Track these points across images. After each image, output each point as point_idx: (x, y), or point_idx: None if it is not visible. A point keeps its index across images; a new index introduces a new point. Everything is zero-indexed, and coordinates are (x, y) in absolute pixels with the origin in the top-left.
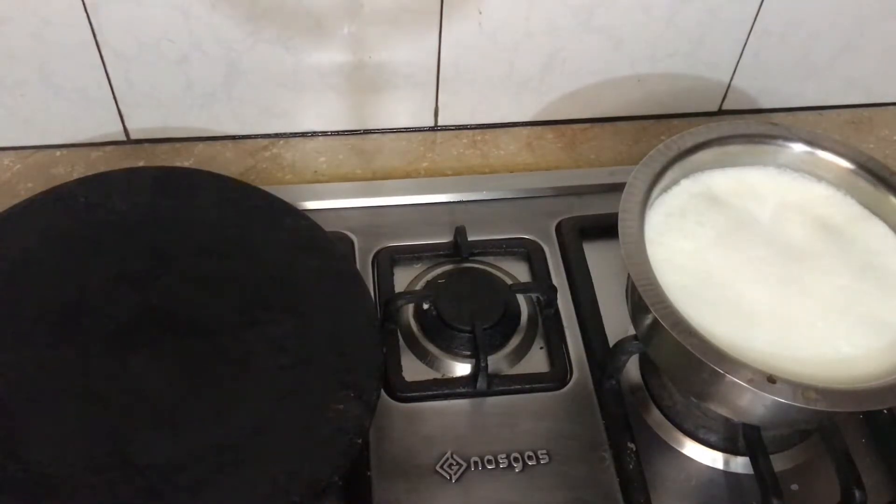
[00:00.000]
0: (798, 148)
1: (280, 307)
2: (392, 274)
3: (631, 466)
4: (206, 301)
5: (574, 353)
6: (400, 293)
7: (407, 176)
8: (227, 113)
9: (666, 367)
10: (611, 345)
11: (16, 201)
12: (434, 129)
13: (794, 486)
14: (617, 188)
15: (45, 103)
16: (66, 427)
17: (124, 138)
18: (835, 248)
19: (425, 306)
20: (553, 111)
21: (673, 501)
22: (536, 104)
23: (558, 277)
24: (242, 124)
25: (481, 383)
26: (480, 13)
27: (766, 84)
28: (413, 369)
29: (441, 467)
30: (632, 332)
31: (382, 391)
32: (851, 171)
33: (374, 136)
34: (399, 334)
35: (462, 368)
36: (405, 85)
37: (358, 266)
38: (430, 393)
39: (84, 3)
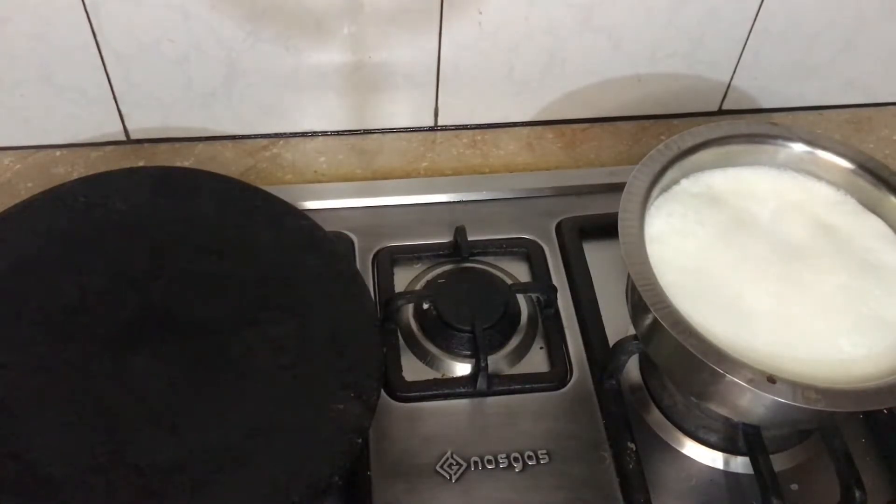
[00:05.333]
0: (798, 148)
1: (280, 307)
2: (392, 274)
3: (631, 466)
4: (206, 301)
5: (574, 353)
6: (400, 293)
7: (407, 176)
8: (227, 113)
9: (666, 367)
10: (611, 345)
11: (16, 201)
12: (434, 129)
13: (794, 486)
14: (617, 188)
15: (45, 103)
16: (66, 427)
17: (124, 138)
18: (835, 247)
19: (425, 306)
20: (553, 111)
21: (673, 501)
22: (536, 104)
23: (558, 277)
24: (242, 124)
25: (481, 383)
26: (480, 13)
27: (766, 84)
28: (413, 369)
29: (441, 467)
30: (632, 332)
31: (382, 391)
32: (851, 170)
33: (374, 136)
34: (399, 334)
35: (462, 368)
36: (405, 85)
37: (358, 266)
38: (430, 393)
39: (84, 3)
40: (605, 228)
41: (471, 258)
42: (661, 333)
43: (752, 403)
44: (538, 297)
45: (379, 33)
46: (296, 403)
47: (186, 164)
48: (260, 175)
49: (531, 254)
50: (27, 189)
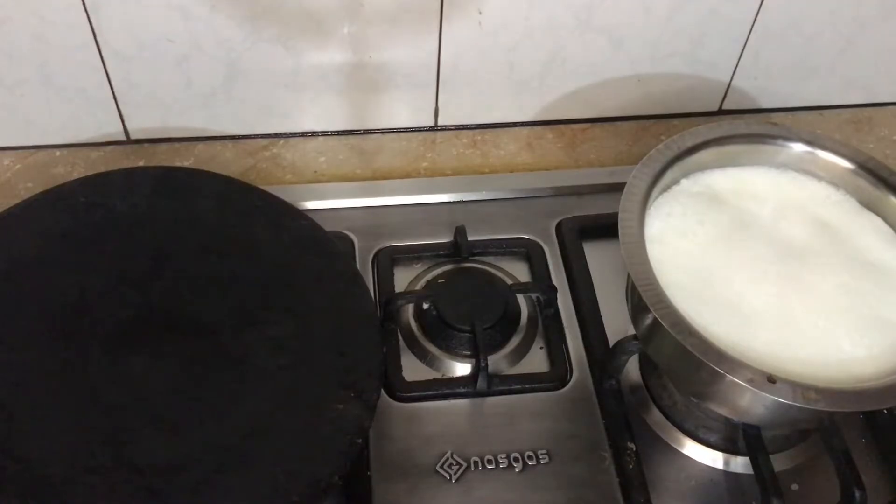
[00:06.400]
0: (798, 148)
1: (280, 307)
2: (392, 274)
3: (631, 466)
4: (206, 301)
5: (574, 353)
6: (400, 293)
7: (407, 176)
8: (227, 113)
9: (666, 367)
10: (611, 345)
11: (16, 201)
12: (434, 129)
13: (794, 486)
14: (617, 188)
15: (45, 103)
16: (66, 427)
17: (124, 138)
18: (835, 247)
19: (425, 306)
20: (553, 111)
21: (673, 501)
22: (536, 104)
23: (558, 277)
24: (242, 124)
25: (481, 383)
26: (480, 13)
27: (766, 84)
28: (413, 369)
29: (441, 467)
30: (632, 332)
31: (382, 391)
32: (851, 170)
33: (374, 136)
34: (399, 334)
35: (462, 368)
36: (405, 85)
37: (358, 266)
38: (430, 393)
39: (84, 3)
40: (605, 228)
41: (471, 258)
42: (661, 333)
43: (752, 403)
44: (538, 297)
45: (379, 33)
46: (296, 403)
47: (186, 164)
48: (260, 175)
49: (531, 254)
50: (27, 189)
